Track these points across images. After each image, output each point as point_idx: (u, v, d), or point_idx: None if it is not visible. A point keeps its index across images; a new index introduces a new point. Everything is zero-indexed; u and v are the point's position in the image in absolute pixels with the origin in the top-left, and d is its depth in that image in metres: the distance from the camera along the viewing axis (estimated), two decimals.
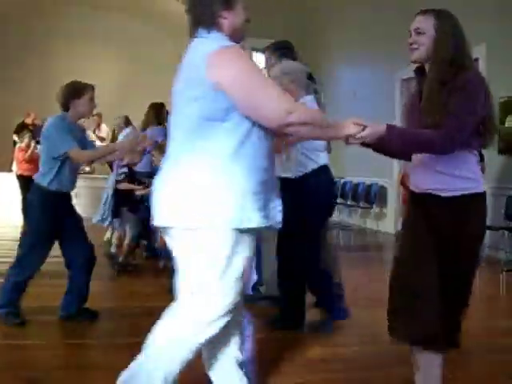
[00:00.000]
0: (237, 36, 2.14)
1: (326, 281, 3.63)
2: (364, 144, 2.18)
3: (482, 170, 2.43)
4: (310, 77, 3.68)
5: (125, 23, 12.82)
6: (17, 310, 3.46)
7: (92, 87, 3.51)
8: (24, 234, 3.65)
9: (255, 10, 10.37)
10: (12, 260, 3.53)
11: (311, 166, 3.48)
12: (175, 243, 2.09)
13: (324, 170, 3.55)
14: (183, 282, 2.07)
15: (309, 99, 3.58)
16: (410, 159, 2.38)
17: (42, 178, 3.45)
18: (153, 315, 2.15)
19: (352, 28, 10.71)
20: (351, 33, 10.73)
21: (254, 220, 2.02)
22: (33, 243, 3.46)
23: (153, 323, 2.10)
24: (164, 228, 2.10)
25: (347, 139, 2.11)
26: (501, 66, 6.58)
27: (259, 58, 13.08)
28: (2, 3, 11.90)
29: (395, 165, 9.11)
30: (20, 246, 3.56)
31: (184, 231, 2.01)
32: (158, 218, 2.07)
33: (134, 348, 2.16)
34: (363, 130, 2.07)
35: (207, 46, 1.99)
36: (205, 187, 1.97)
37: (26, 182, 7.52)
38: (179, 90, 2.06)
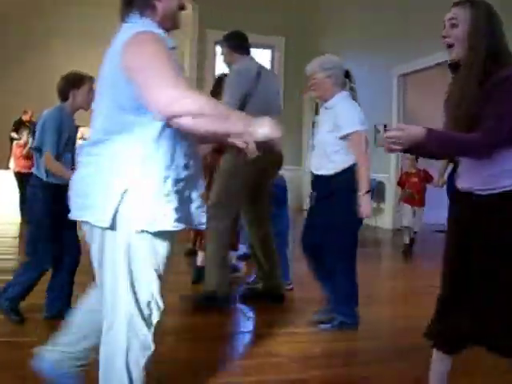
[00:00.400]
0: (168, 23, 2.00)
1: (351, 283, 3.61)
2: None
3: None
4: (348, 74, 3.67)
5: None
6: (17, 307, 3.45)
7: (92, 78, 3.46)
8: (29, 231, 3.62)
9: (255, 9, 10.49)
10: (11, 257, 3.52)
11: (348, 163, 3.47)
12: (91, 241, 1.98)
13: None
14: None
15: (343, 95, 3.58)
16: (451, 160, 2.28)
17: (38, 171, 3.45)
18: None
19: (351, 26, 10.71)
20: (350, 30, 10.73)
21: (166, 222, 1.86)
22: (38, 237, 3.43)
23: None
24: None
25: (388, 148, 1.98)
26: None
27: (262, 55, 13.21)
28: (2, 3, 11.91)
29: (393, 161, 9.13)
30: (27, 244, 3.55)
31: (95, 228, 1.90)
32: (73, 211, 1.97)
33: None
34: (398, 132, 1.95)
35: (129, 31, 1.87)
36: (113, 183, 1.84)
37: (23, 179, 7.59)
38: (102, 78, 1.94)
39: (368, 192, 3.38)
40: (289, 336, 3.44)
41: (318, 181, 3.58)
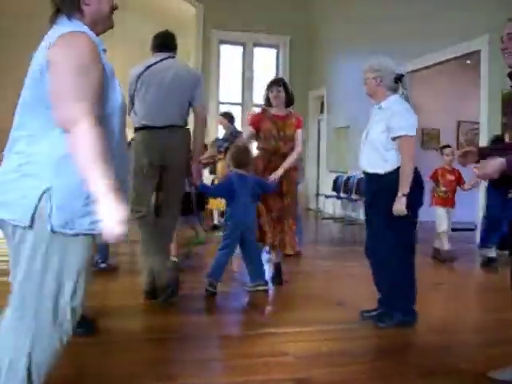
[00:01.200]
0: (99, 26, 1.97)
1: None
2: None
3: None
4: (399, 78, 3.70)
5: (138, 24, 12.81)
6: None
7: None
8: None
9: (260, 8, 10.47)
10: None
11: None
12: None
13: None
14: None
15: (395, 98, 3.65)
16: None
17: None
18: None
19: (357, 24, 10.69)
20: (356, 28, 10.71)
21: (85, 224, 1.81)
22: None
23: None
24: None
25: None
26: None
27: (267, 54, 13.17)
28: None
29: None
30: None
31: (11, 226, 1.85)
32: None
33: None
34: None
35: (57, 30, 1.83)
36: (33, 182, 1.78)
37: None
38: (27, 76, 1.87)
39: (405, 195, 3.44)
40: (293, 335, 3.44)
41: (371, 179, 3.67)
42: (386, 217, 3.51)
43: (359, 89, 4.00)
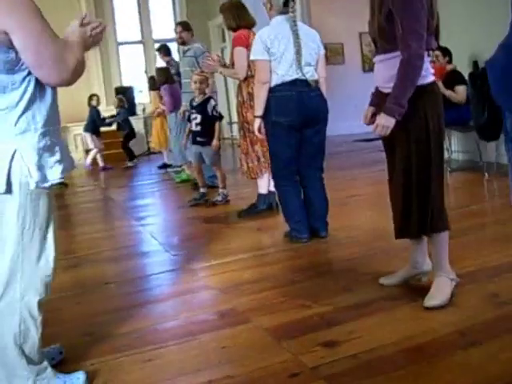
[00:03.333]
0: None
1: None
2: None
3: None
4: (286, 3, 3.66)
5: None
6: None
7: None
8: None
9: None
10: None
11: None
12: None
13: None
14: None
15: (280, 19, 3.70)
16: None
17: None
18: None
19: None
20: None
21: (56, 174, 1.90)
22: None
23: None
24: None
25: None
26: None
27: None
28: None
29: None
30: None
31: None
32: None
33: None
34: None
35: None
36: None
37: None
38: None
39: (256, 117, 3.77)
40: (215, 268, 3.44)
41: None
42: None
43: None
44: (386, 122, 2.41)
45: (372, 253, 3.41)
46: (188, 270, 3.46)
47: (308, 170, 3.81)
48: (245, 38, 4.54)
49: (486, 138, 5.38)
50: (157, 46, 8.79)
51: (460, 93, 5.79)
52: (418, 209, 2.54)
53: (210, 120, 5.32)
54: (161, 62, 8.09)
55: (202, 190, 5.60)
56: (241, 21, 4.70)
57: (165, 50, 7.77)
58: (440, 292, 2.54)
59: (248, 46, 4.32)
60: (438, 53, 5.98)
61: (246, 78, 4.56)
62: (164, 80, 7.24)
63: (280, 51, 3.58)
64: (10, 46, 1.73)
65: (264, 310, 2.68)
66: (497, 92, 1.65)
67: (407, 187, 2.55)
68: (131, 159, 10.12)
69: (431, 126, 2.45)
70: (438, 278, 2.60)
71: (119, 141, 10.29)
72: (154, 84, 8.65)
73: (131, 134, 10.25)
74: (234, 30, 4.74)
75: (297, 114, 3.64)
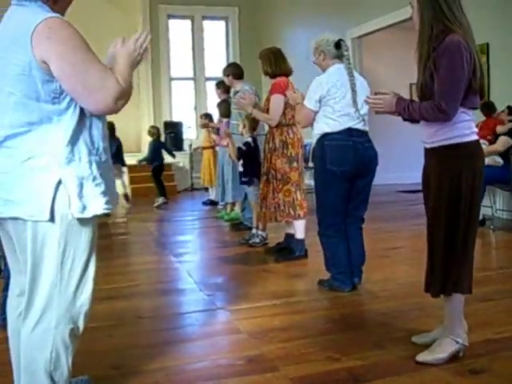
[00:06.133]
0: (61, 5, 1.93)
1: None
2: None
3: None
4: (338, 44, 3.74)
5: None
6: None
7: None
8: None
9: None
10: None
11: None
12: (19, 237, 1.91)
13: None
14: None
15: (329, 70, 3.73)
16: None
17: None
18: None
19: None
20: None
21: (99, 206, 1.91)
22: None
23: None
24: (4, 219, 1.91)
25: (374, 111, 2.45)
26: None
27: (216, 26, 12.94)
28: None
29: None
30: None
31: (26, 223, 1.86)
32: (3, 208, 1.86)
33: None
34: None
35: (30, 17, 1.76)
36: (42, 175, 1.82)
37: None
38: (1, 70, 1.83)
39: None
40: (247, 312, 3.43)
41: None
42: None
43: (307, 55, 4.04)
44: (387, 106, 2.60)
45: (407, 309, 3.34)
46: (220, 311, 3.47)
47: (350, 219, 3.79)
48: (284, 85, 4.66)
49: None
50: (212, 82, 8.87)
51: (499, 141, 5.69)
52: (441, 268, 2.51)
53: (248, 157, 5.40)
54: (215, 98, 8.13)
55: (261, 232, 5.55)
56: (277, 68, 4.82)
57: (224, 87, 7.72)
58: (439, 349, 2.53)
59: (285, 95, 4.43)
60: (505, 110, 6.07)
61: (277, 126, 4.64)
62: (227, 114, 7.01)
63: (337, 99, 3.60)
64: (53, 76, 1.77)
65: (291, 360, 2.65)
66: None
67: (432, 244, 2.55)
68: (162, 194, 9.22)
69: (464, 187, 2.42)
70: (443, 338, 2.57)
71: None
72: (211, 119, 8.81)
73: (161, 166, 9.35)
74: (270, 76, 4.86)
75: (351, 164, 3.61)
